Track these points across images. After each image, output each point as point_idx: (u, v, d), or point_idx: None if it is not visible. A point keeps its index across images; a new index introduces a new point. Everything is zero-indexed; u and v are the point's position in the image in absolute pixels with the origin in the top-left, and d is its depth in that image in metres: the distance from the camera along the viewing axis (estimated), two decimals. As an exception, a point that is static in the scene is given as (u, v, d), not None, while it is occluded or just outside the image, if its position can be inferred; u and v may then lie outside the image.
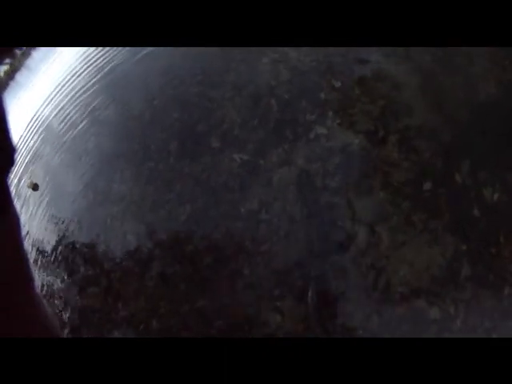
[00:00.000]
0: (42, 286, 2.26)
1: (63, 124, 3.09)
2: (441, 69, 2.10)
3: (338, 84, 2.23)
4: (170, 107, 2.20)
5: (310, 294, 1.56)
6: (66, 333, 2.02)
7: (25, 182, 3.10)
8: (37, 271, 2.34)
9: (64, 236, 2.27)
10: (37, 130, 3.45)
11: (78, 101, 3.11)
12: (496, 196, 1.60)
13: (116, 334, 1.82)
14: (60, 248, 2.27)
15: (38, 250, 2.46)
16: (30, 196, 2.91)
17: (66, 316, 2.08)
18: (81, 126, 2.79)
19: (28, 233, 2.65)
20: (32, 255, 2.45)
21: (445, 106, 1.97)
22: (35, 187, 3.00)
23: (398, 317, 1.56)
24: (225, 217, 1.72)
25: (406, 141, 1.98)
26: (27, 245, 2.57)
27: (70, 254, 2.16)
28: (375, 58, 2.23)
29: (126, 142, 2.25)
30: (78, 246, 2.14)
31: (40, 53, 5.29)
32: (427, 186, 1.81)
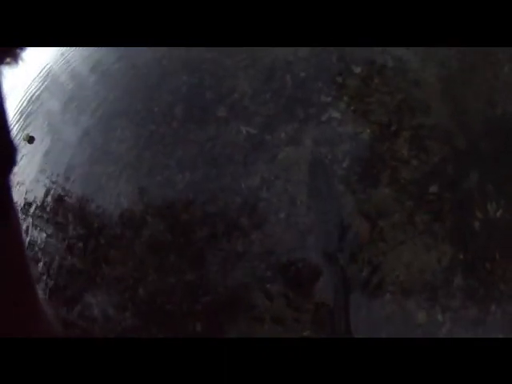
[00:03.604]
0: (29, 242, 2.21)
1: (67, 76, 2.97)
2: (465, 77, 2.07)
3: (357, 70, 2.15)
4: (179, 69, 2.09)
5: (302, 280, 1.52)
6: (47, 292, 1.98)
7: (22, 133, 3.01)
8: (24, 224, 2.28)
9: (55, 190, 2.19)
10: (40, 79, 3.32)
11: (84, 54, 2.97)
12: (499, 213, 1.60)
13: (99, 299, 1.79)
14: (50, 202, 2.20)
15: (26, 201, 2.39)
16: (25, 147, 2.82)
17: (48, 273, 2.04)
18: (85, 80, 2.67)
19: (19, 183, 2.58)
20: (20, 206, 2.38)
21: (462, 113, 1.97)
22: (31, 140, 2.91)
23: (386, 316, 1.57)
24: (224, 190, 1.65)
25: (418, 139, 1.95)
26: (17, 195, 2.51)
27: (60, 210, 2.09)
28: (401, 50, 2.16)
29: (129, 101, 2.14)
30: (68, 201, 2.07)
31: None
32: (433, 188, 1.81)
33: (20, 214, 2.34)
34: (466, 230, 1.66)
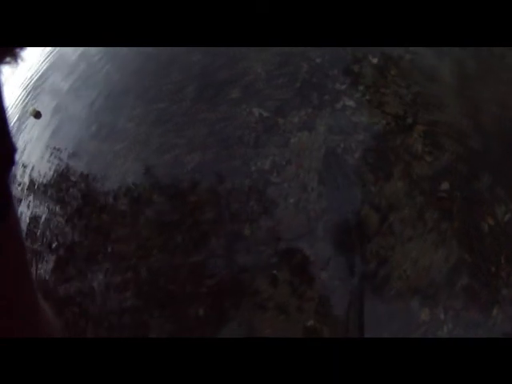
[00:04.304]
0: (32, 216, 2.18)
1: (76, 54, 2.92)
2: (482, 77, 2.04)
3: (374, 60, 2.10)
4: (191, 49, 2.03)
5: (308, 269, 1.49)
6: (48, 268, 1.97)
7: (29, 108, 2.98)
8: (30, 200, 2.26)
9: (61, 166, 2.16)
10: (48, 56, 3.27)
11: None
12: (507, 216, 1.58)
13: (100, 277, 1.76)
14: (56, 178, 2.17)
15: (31, 178, 2.36)
16: (33, 122, 2.79)
17: (50, 249, 2.02)
18: (94, 56, 2.62)
19: (23, 159, 2.55)
20: (25, 183, 2.36)
21: (478, 113, 1.94)
22: (37, 115, 2.89)
23: (390, 312, 1.55)
24: (234, 172, 1.61)
25: (432, 135, 1.92)
26: (21, 171, 2.48)
27: (65, 186, 2.06)
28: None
29: (138, 79, 2.09)
30: (74, 178, 2.03)
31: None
32: (445, 185, 1.80)
33: (25, 191, 2.32)
34: (473, 231, 1.67)
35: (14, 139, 0.42)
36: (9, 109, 3.32)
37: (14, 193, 2.39)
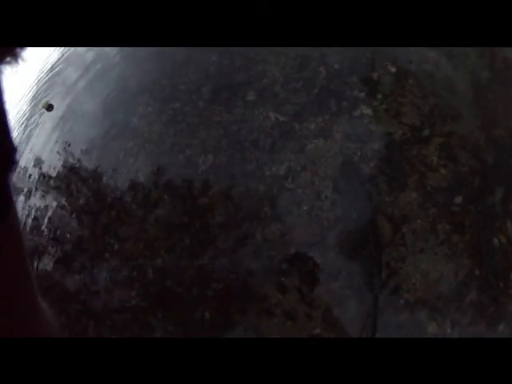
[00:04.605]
0: (40, 209, 2.18)
1: (90, 50, 2.93)
2: (498, 89, 2.04)
3: (393, 69, 2.08)
4: (208, 49, 2.03)
5: (319, 277, 1.46)
6: (53, 260, 1.96)
7: (41, 101, 2.99)
8: (39, 192, 2.26)
9: (71, 162, 2.15)
10: (61, 50, 3.29)
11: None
12: None
13: (105, 275, 1.75)
14: (64, 171, 2.16)
15: (42, 171, 2.36)
16: (45, 115, 2.80)
17: (57, 244, 2.01)
18: (109, 54, 2.63)
19: (34, 152, 2.56)
20: (35, 176, 2.36)
21: (493, 126, 1.93)
22: (49, 108, 2.90)
23: (398, 323, 1.54)
24: (247, 176, 1.59)
25: (448, 147, 1.91)
26: (32, 163, 2.49)
27: (74, 182, 2.06)
28: (434, 54, 2.12)
29: (154, 77, 2.09)
30: (83, 174, 2.03)
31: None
32: (458, 199, 1.78)
33: (35, 183, 2.32)
34: (484, 246, 1.66)
35: (14, 139, 0.41)
36: (20, 103, 3.34)
37: (24, 185, 2.40)
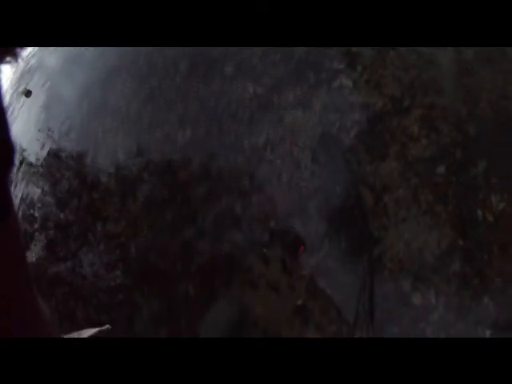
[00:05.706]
0: (22, 196, 2.15)
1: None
2: (481, 66, 2.02)
3: (373, 40, 2.06)
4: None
5: (300, 247, 1.47)
6: (40, 246, 1.94)
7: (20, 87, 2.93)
8: (19, 180, 2.22)
9: (51, 144, 2.11)
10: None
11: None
12: (501, 206, 1.57)
13: (90, 256, 1.74)
14: (45, 156, 2.13)
15: (22, 157, 2.32)
16: (23, 101, 2.74)
17: (42, 228, 1.99)
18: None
19: (16, 140, 2.50)
20: (15, 161, 2.32)
21: (475, 100, 1.92)
22: (28, 94, 2.85)
23: (383, 295, 1.55)
24: (226, 148, 1.58)
25: (429, 118, 1.90)
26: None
27: (55, 164, 2.02)
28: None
29: (130, 55, 2.04)
30: (64, 156, 1.99)
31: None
32: (440, 169, 1.79)
33: (18, 172, 2.28)
34: (467, 217, 1.66)
35: (13, 139, 0.41)
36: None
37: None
